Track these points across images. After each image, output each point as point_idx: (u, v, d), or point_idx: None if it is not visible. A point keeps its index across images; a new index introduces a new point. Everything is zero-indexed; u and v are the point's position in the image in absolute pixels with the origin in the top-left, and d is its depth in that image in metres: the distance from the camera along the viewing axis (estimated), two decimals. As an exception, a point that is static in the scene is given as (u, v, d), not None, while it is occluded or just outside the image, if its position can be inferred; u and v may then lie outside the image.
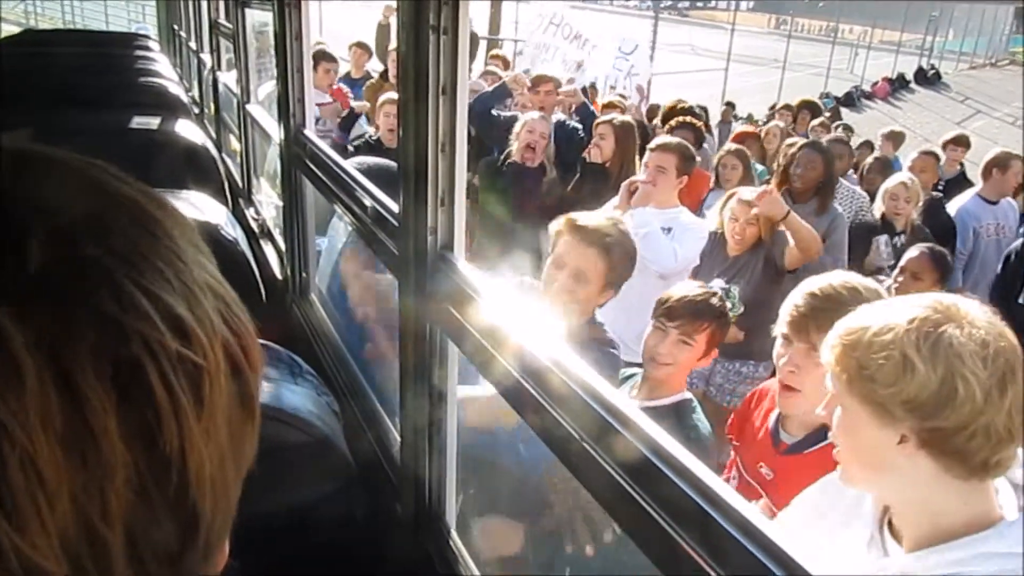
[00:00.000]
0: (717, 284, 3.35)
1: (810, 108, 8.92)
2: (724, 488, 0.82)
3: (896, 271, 3.79)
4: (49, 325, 0.34)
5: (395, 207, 1.61)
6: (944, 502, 1.19)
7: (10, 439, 0.32)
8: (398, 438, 1.79)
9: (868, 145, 8.48)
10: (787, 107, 9.91)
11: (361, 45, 7.00)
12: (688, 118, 5.62)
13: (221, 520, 0.43)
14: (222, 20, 4.76)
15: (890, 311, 1.20)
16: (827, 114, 12.66)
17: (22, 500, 0.32)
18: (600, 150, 4.33)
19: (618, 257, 2.21)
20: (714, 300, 2.25)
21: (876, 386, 1.17)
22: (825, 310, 1.69)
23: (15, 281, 0.34)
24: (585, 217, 2.26)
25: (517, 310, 1.24)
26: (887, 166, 5.91)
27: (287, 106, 2.57)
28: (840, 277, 1.83)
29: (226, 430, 0.41)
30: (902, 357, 1.14)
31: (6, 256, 0.34)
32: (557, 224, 2.28)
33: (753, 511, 0.79)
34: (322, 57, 5.35)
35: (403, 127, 1.45)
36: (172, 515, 0.38)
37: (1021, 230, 5.35)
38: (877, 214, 4.70)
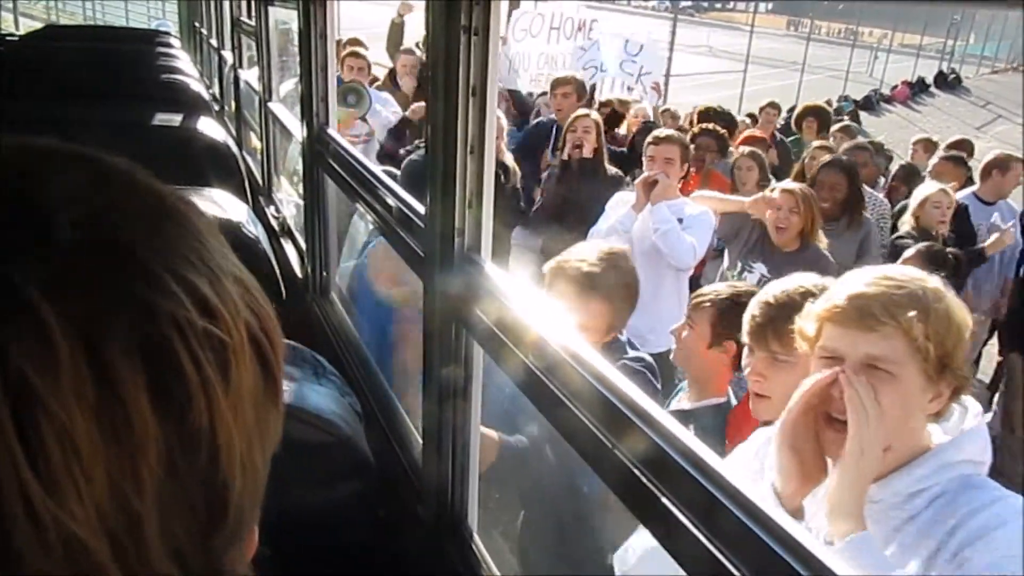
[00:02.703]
0: (759, 269, 3.33)
1: (816, 115, 7.60)
2: (740, 481, 0.84)
3: None
4: (79, 304, 0.35)
5: (420, 208, 1.60)
6: (912, 432, 1.30)
7: (47, 413, 0.33)
8: (419, 439, 1.78)
9: (886, 156, 8.16)
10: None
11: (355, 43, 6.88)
12: (711, 124, 5.59)
13: (250, 502, 0.44)
14: (244, 18, 4.78)
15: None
16: (846, 116, 12.48)
17: (59, 473, 0.33)
18: (587, 145, 4.18)
19: (620, 299, 2.12)
20: (743, 299, 2.11)
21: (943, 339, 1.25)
22: (781, 318, 1.71)
23: (45, 262, 0.35)
24: (575, 259, 2.12)
25: (545, 312, 1.24)
26: (912, 174, 5.84)
27: (311, 105, 2.57)
28: (794, 282, 1.83)
29: (252, 411, 0.42)
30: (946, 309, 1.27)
31: (36, 239, 0.36)
32: (548, 267, 2.16)
33: (768, 503, 0.81)
34: (352, 56, 5.29)
35: (431, 127, 1.45)
36: (202, 492, 0.39)
37: None
38: (909, 222, 4.61)
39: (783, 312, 1.71)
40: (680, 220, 3.45)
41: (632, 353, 2.18)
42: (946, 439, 1.32)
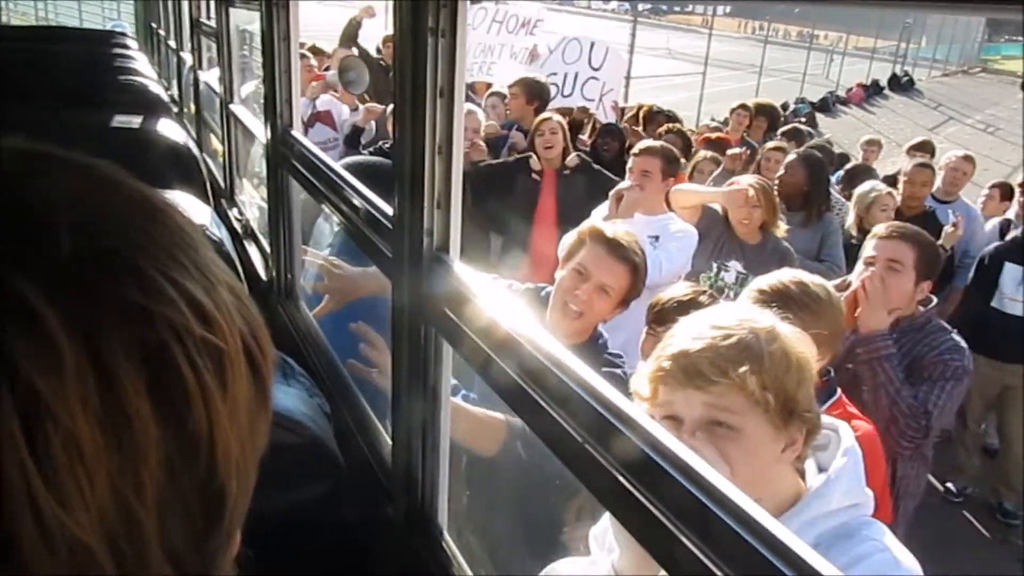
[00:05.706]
0: (734, 267, 3.39)
1: (767, 113, 7.78)
2: (726, 485, 0.83)
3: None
4: (82, 312, 0.35)
5: (388, 208, 1.61)
6: (775, 483, 1.23)
7: (53, 419, 0.33)
8: (389, 440, 1.78)
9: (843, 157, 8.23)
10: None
11: (316, 51, 6.78)
12: (676, 125, 5.65)
13: (241, 505, 0.45)
14: (204, 19, 4.73)
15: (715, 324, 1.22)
16: (803, 119, 12.64)
17: (65, 478, 0.34)
18: (553, 149, 4.18)
19: (640, 276, 2.17)
20: (703, 298, 2.20)
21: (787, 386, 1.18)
22: (775, 307, 1.73)
23: (49, 271, 0.35)
24: (610, 228, 2.19)
25: (515, 311, 1.25)
26: (863, 173, 5.94)
27: (274, 107, 2.55)
28: (788, 274, 1.88)
29: (246, 417, 0.43)
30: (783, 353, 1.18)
31: (39, 247, 0.36)
32: (579, 231, 2.20)
33: (756, 508, 0.80)
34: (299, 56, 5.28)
35: (399, 129, 1.45)
36: (200, 496, 0.40)
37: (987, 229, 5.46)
38: (853, 223, 4.71)
39: (776, 300, 1.76)
40: (656, 237, 3.39)
41: (612, 354, 2.19)
42: (819, 478, 1.24)
